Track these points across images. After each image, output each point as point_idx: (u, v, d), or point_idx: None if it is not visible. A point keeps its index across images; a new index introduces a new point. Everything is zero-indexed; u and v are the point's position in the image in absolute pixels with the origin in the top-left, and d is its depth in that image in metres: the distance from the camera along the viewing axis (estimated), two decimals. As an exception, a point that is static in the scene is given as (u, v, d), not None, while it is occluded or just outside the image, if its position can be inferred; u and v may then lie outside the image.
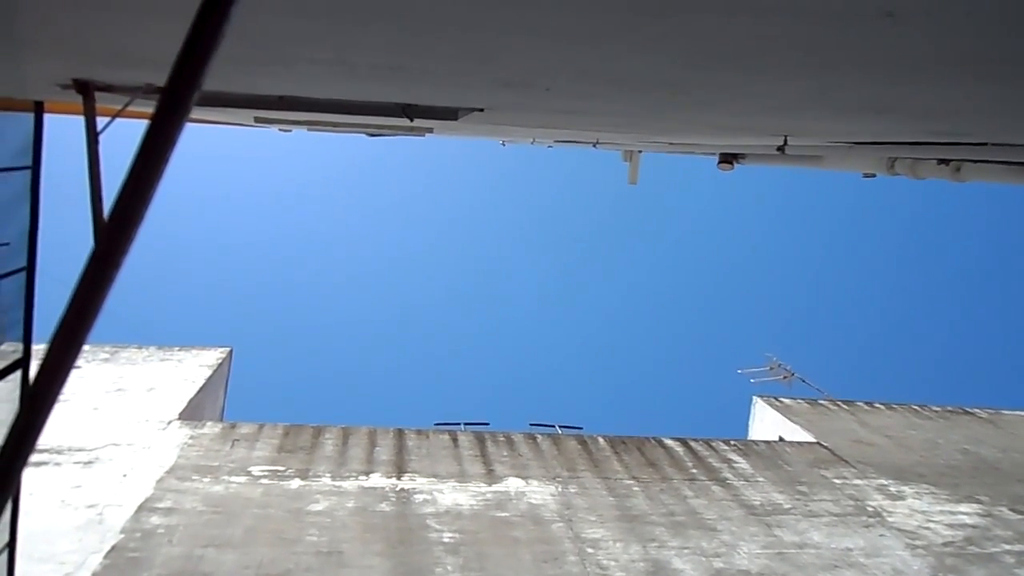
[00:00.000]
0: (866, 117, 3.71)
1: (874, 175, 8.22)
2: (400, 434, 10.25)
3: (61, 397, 1.18)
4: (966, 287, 55.42)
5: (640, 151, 14.03)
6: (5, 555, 5.87)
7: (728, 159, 11.02)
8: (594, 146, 11.75)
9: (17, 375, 6.15)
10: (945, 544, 8.47)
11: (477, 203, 63.05)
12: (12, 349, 6.30)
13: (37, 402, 1.16)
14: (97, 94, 4.31)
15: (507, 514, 8.29)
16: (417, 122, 5.25)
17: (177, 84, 1.02)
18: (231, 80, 3.62)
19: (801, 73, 2.45)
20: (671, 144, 9.94)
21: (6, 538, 5.86)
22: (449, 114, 4.76)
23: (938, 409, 13.78)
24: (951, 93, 2.70)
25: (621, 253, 59.88)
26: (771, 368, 16.03)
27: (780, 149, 6.95)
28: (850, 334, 56.97)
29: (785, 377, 15.75)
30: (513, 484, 9.03)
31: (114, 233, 1.06)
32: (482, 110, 4.64)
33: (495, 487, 8.92)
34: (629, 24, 1.94)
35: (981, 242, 56.31)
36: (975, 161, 6.01)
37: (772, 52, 2.14)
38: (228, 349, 13.17)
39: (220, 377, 12.60)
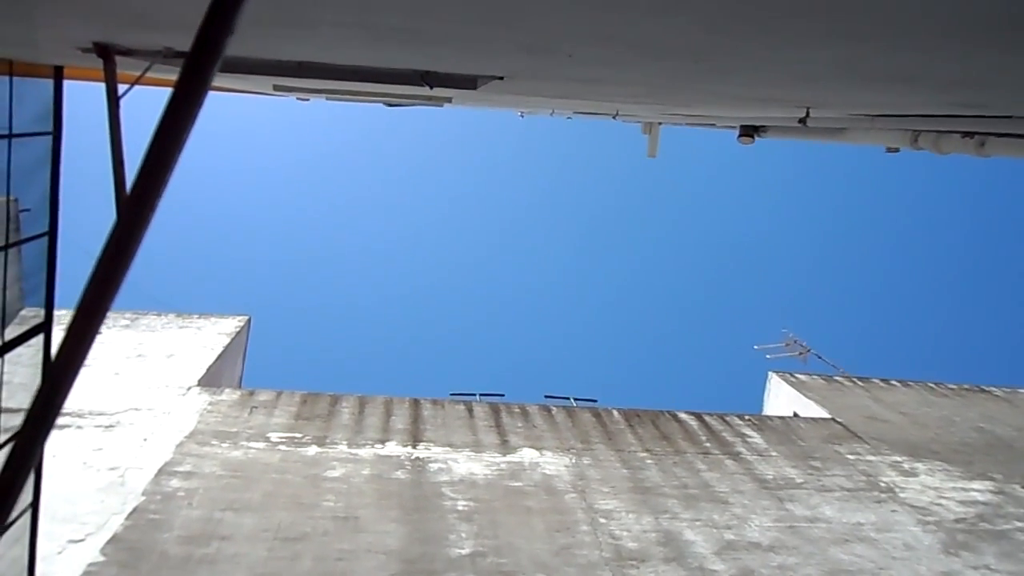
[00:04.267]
0: (892, 87, 3.66)
1: (897, 149, 8.11)
2: (416, 404, 10.34)
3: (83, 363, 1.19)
4: (985, 264, 54.82)
5: (660, 124, 13.91)
6: (28, 515, 5.99)
7: (749, 132, 10.90)
8: (614, 118, 11.66)
9: (39, 339, 6.23)
10: (957, 520, 8.47)
11: (494, 175, 62.90)
12: (34, 314, 6.38)
13: (59, 373, 1.17)
14: (117, 59, 4.31)
15: (521, 484, 8.36)
16: (436, 91, 5.23)
17: (202, 47, 1.01)
18: (251, 45, 3.62)
19: (828, 40, 2.41)
20: (691, 117, 9.84)
21: (29, 499, 5.97)
22: (469, 82, 4.73)
23: (954, 387, 13.71)
24: (978, 63, 2.65)
25: (639, 226, 59.66)
26: (787, 344, 15.98)
27: (802, 121, 6.87)
28: (867, 311, 56.65)
29: (801, 353, 15.70)
30: (527, 455, 9.10)
31: (138, 201, 1.06)
32: (502, 78, 4.60)
33: (509, 457, 8.99)
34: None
35: (1001, 219, 55.59)
36: (999, 135, 5.92)
37: (799, 18, 2.11)
38: (246, 317, 13.29)
39: (238, 345, 12.72)
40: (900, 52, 2.52)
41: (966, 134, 6.10)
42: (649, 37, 2.55)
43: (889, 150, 8.64)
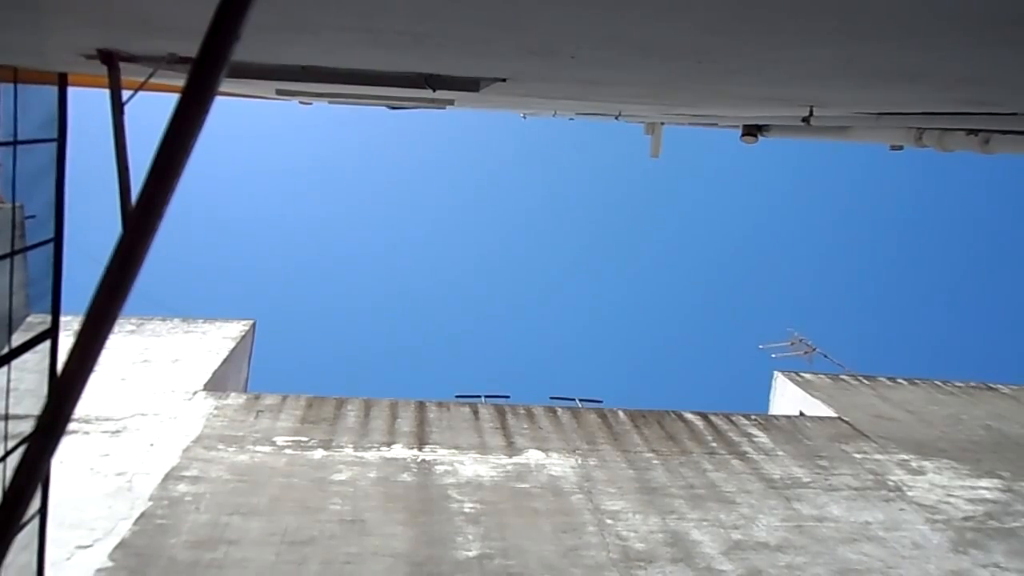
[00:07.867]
0: (895, 85, 3.65)
1: (901, 147, 8.10)
2: (421, 406, 10.34)
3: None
4: (990, 261, 54.66)
5: (663, 124, 13.90)
6: (37, 522, 6.00)
7: (752, 131, 10.88)
8: (616, 118, 11.66)
9: (45, 345, 6.25)
10: (965, 519, 8.45)
11: (498, 177, 62.92)
12: (40, 320, 6.40)
13: (67, 385, 1.17)
14: (121, 66, 4.32)
15: (527, 485, 8.36)
16: (439, 93, 5.23)
17: (208, 54, 1.01)
18: (255, 50, 3.62)
19: (831, 39, 2.41)
20: (694, 116, 9.84)
21: (37, 505, 5.99)
22: (471, 84, 4.73)
23: (961, 385, 13.67)
24: (984, 60, 2.64)
25: (642, 227, 59.64)
26: (792, 343, 15.96)
27: (805, 120, 6.86)
28: (872, 309, 56.52)
29: (806, 352, 15.68)
30: (533, 456, 9.10)
31: (144, 211, 1.06)
32: (505, 80, 4.61)
33: (515, 459, 8.98)
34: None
35: (1006, 215, 55.44)
36: (1004, 132, 5.90)
37: (802, 17, 2.11)
38: (251, 321, 13.31)
39: (244, 349, 12.74)
40: (904, 50, 2.52)
41: (970, 131, 6.09)
42: (652, 38, 2.55)
43: (893, 148, 8.62)
